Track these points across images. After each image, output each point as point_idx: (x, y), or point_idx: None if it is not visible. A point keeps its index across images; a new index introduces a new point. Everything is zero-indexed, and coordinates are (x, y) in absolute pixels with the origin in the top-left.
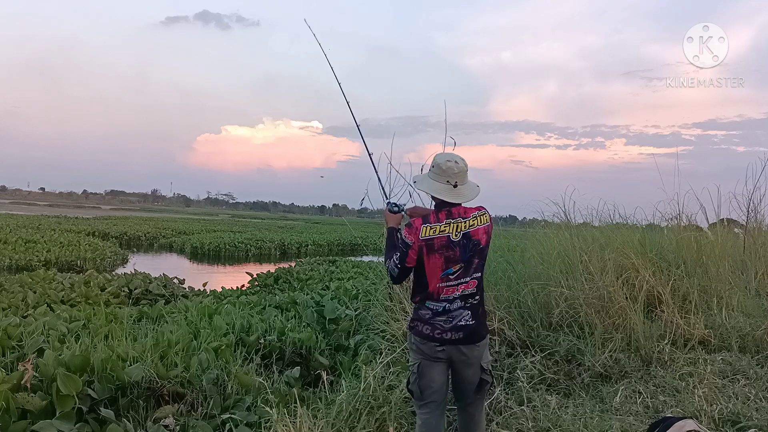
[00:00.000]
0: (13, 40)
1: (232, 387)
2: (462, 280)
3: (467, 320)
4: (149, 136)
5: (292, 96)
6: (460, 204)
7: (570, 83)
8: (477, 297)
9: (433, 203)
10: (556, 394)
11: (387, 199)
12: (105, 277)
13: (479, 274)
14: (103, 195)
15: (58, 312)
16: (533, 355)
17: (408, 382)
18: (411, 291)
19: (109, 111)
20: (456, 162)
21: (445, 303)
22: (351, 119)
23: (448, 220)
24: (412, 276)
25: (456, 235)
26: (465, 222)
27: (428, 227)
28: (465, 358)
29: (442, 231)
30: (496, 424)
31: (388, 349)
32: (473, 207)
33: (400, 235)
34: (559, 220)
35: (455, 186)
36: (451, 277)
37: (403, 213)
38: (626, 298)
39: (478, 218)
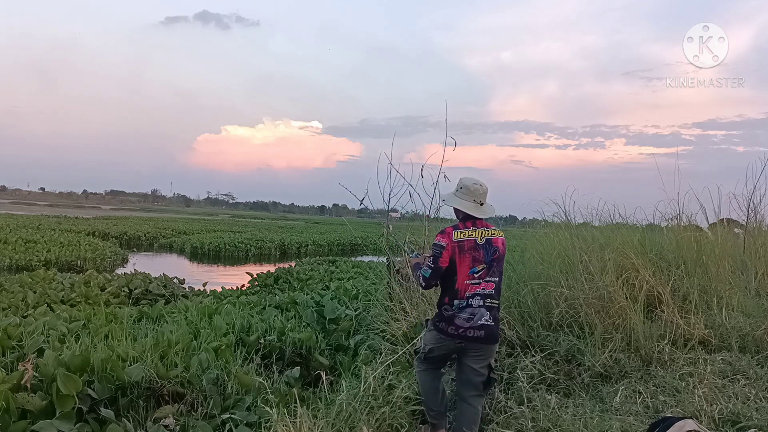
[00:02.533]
0: (13, 40)
1: (232, 387)
2: (484, 279)
3: (487, 320)
4: (149, 136)
5: (292, 96)
6: (482, 219)
7: (570, 83)
8: (496, 301)
9: (456, 218)
10: (556, 394)
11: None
12: (105, 277)
13: (498, 279)
14: (103, 195)
15: (58, 312)
16: (533, 355)
17: (417, 351)
18: (439, 296)
19: (109, 111)
20: (480, 185)
21: (468, 299)
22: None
23: (474, 228)
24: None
25: (481, 240)
26: (487, 231)
27: (459, 232)
28: (480, 354)
29: (470, 235)
30: (496, 423)
31: (388, 349)
32: (490, 225)
33: (431, 248)
34: (559, 220)
35: (481, 204)
36: (475, 275)
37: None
38: (626, 298)
39: (497, 231)
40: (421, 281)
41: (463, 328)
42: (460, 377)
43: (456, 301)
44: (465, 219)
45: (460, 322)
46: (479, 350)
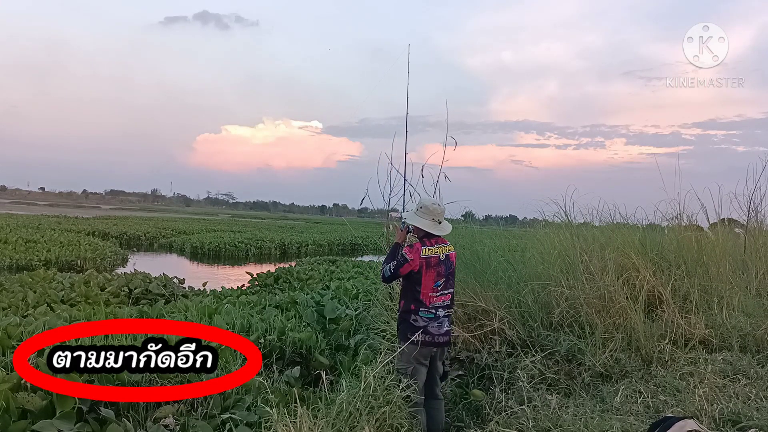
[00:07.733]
0: (13, 39)
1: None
2: (444, 292)
3: (447, 327)
4: (149, 136)
5: (292, 95)
6: (441, 236)
7: (570, 83)
8: (451, 309)
9: (413, 233)
10: (557, 393)
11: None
12: (105, 276)
13: (453, 290)
14: (103, 195)
15: (58, 312)
16: (534, 355)
17: (402, 376)
18: (402, 299)
19: (109, 111)
20: (438, 205)
21: (434, 310)
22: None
23: (437, 245)
24: (402, 286)
25: (443, 256)
26: (446, 247)
27: (427, 249)
28: (443, 355)
29: (435, 252)
30: (496, 423)
31: (389, 349)
32: (446, 241)
33: (401, 251)
34: (559, 220)
35: (439, 222)
36: (438, 288)
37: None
38: (627, 297)
39: (451, 247)
40: (386, 274)
41: (437, 335)
42: (427, 377)
43: (422, 310)
44: (428, 236)
45: (433, 330)
46: (443, 352)
